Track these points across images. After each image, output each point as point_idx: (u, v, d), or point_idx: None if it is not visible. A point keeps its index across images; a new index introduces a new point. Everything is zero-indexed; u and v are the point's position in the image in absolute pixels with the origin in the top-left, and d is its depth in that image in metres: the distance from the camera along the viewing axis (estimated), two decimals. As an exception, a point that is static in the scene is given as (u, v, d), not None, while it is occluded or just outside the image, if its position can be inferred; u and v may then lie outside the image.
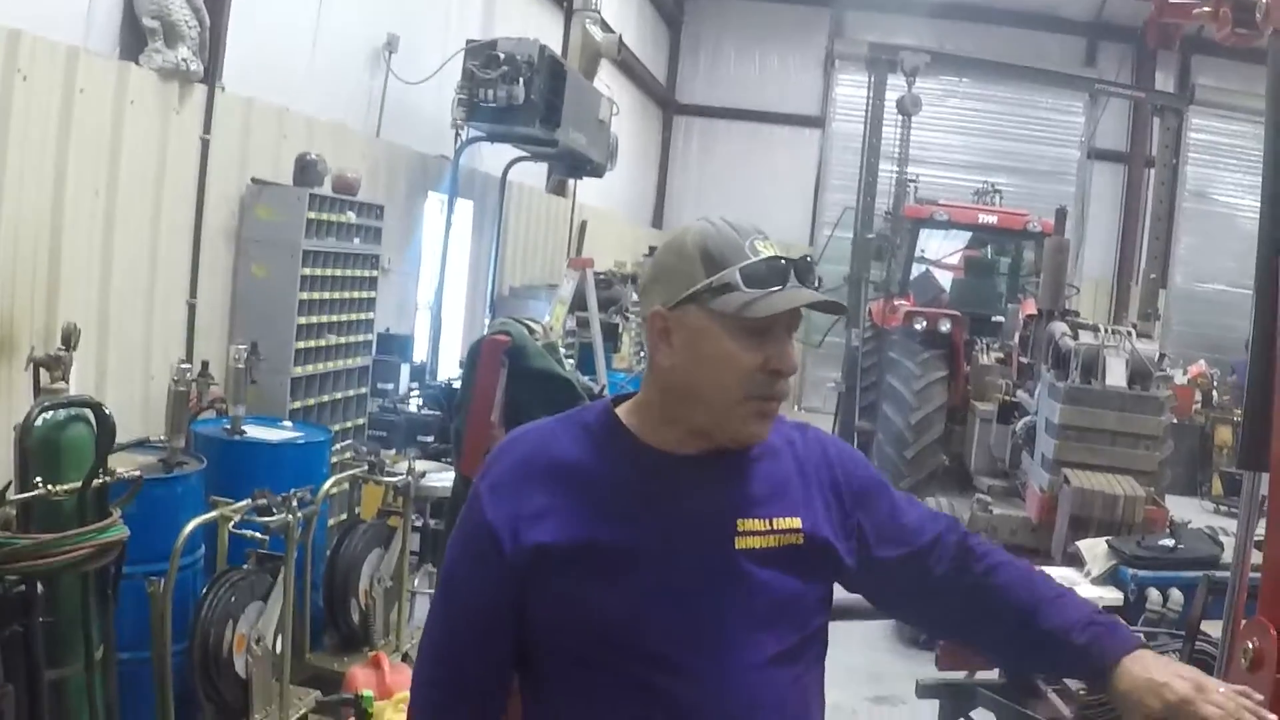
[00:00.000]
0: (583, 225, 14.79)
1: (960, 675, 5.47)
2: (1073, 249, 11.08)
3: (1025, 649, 2.06)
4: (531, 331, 4.25)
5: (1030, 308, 9.41)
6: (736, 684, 1.85)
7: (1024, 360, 8.97)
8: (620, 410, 1.98)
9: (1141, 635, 1.94)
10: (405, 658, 5.71)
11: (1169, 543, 5.16)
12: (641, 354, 12.89)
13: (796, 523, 1.94)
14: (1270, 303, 2.20)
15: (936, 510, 2.16)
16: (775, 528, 1.92)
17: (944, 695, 5.58)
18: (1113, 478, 6.58)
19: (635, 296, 13.37)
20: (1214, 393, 15.07)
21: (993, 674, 5.47)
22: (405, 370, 8.35)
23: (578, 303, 9.14)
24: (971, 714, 5.62)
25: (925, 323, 10.04)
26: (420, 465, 6.03)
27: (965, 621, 2.09)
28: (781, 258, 1.86)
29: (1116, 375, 7.39)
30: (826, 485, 2.00)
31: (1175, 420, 9.01)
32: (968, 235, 12.75)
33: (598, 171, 11.69)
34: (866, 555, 2.01)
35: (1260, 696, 1.76)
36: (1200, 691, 1.80)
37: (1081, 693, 4.99)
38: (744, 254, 1.84)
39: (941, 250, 13.04)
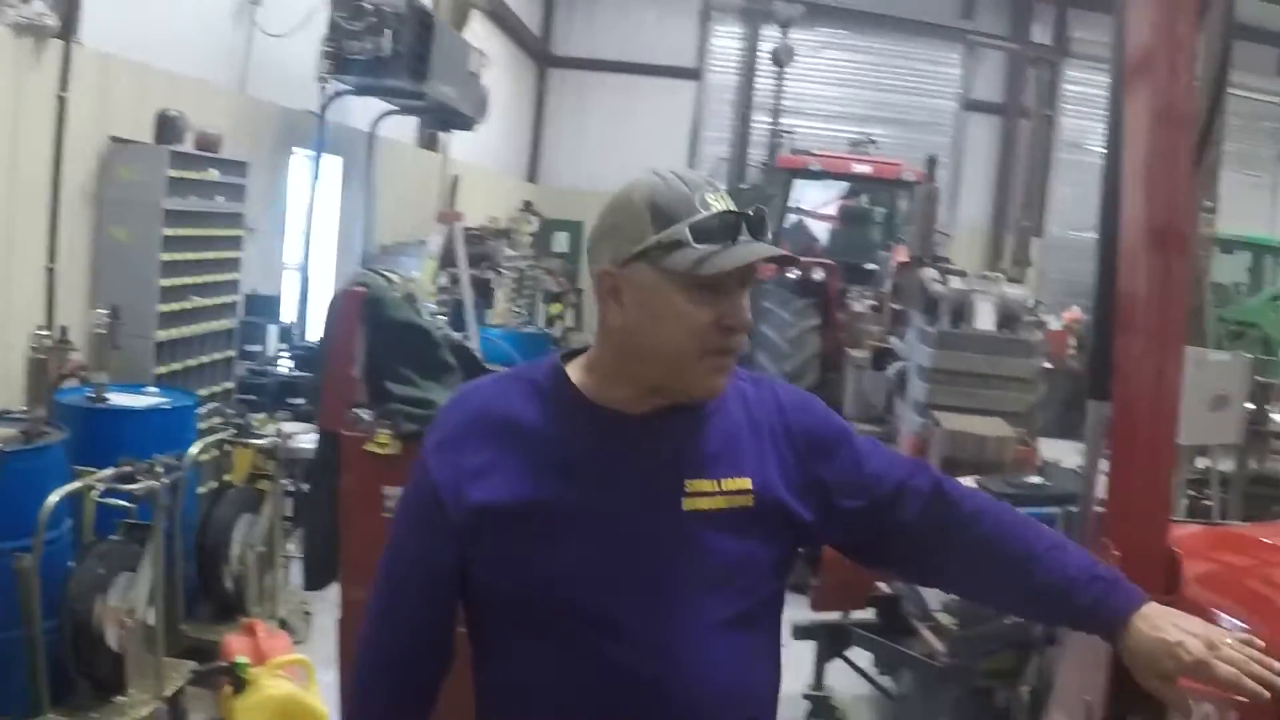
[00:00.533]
0: (454, 180, 14.64)
1: (836, 616, 5.62)
2: (948, 198, 11.31)
3: (1024, 603, 2.03)
4: (391, 283, 4.19)
5: (902, 255, 9.57)
6: (683, 649, 1.82)
7: (896, 307, 9.12)
8: (570, 368, 1.92)
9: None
10: (283, 624, 5.64)
11: (1037, 480, 5.30)
12: (517, 310, 12.88)
13: (746, 483, 1.88)
14: (1111, 241, 2.26)
15: (905, 456, 2.09)
16: (724, 489, 1.87)
17: (820, 636, 5.73)
18: (983, 420, 6.72)
19: (509, 251, 13.39)
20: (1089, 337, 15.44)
21: (868, 614, 5.63)
22: (274, 332, 8.17)
23: (449, 259, 9.03)
24: (846, 653, 5.83)
25: (799, 271, 10.14)
26: (289, 427, 5.93)
27: (952, 574, 2.04)
28: (733, 211, 1.81)
29: (985, 319, 7.55)
30: (780, 438, 1.94)
31: (1050, 365, 9.22)
32: (844, 185, 12.91)
33: (468, 125, 11.56)
34: (827, 508, 1.94)
35: (1262, 644, 1.76)
36: (1212, 649, 1.75)
37: (953, 626, 5.16)
38: (694, 208, 1.79)
39: (819, 201, 13.19)
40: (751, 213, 1.83)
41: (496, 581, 1.87)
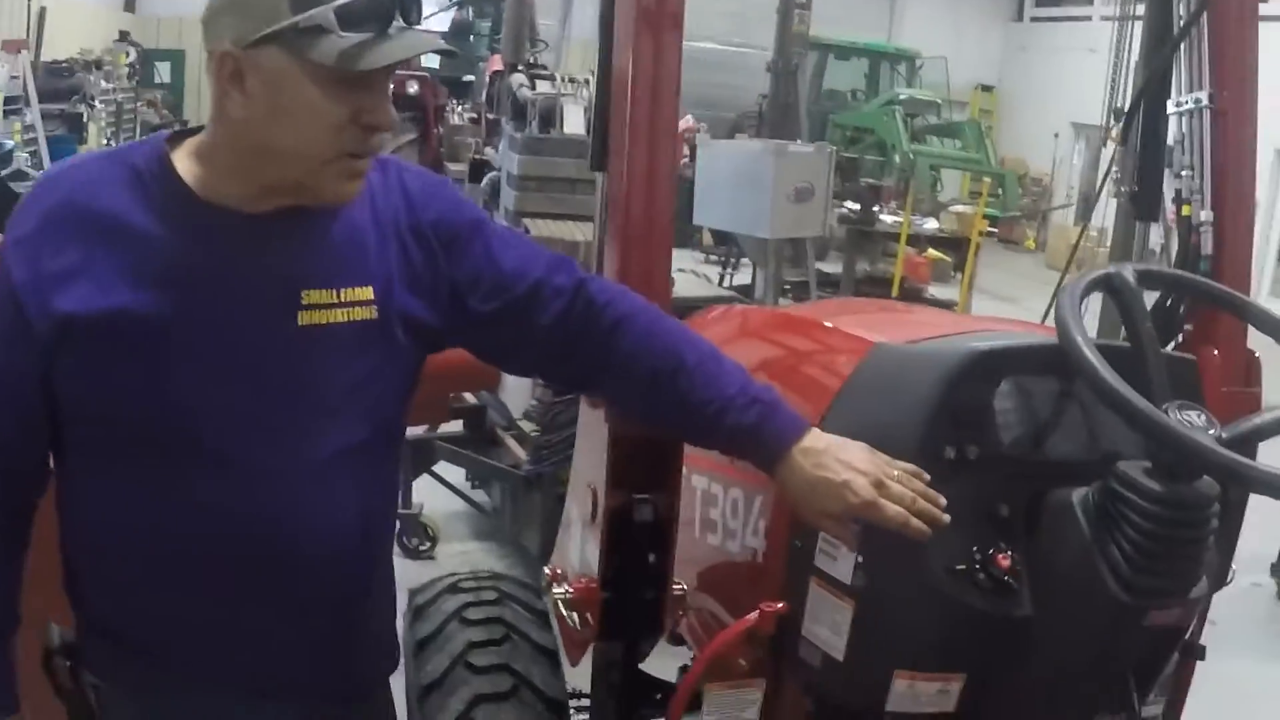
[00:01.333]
0: (41, 12, 13.29)
1: (420, 430, 5.47)
2: (562, 6, 11.02)
3: (678, 421, 1.82)
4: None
5: (497, 64, 9.30)
6: (298, 485, 1.62)
7: (491, 117, 8.89)
8: (177, 154, 1.60)
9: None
10: None
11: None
12: (111, 144, 11.95)
13: (368, 293, 1.65)
14: (609, 19, 2.11)
15: (549, 251, 1.85)
16: (344, 299, 1.64)
17: (405, 453, 5.56)
18: (574, 225, 6.65)
19: (104, 84, 12.34)
20: (702, 147, 15.84)
21: (455, 426, 5.52)
22: None
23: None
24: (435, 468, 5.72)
25: (392, 86, 9.70)
26: None
27: (602, 384, 1.85)
28: None
29: (574, 123, 7.41)
30: (407, 233, 1.71)
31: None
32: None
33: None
34: (460, 310, 1.73)
35: (927, 476, 1.68)
36: (880, 488, 1.65)
37: (534, 434, 5.12)
38: None
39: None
40: None
41: (81, 400, 1.60)
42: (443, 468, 5.50)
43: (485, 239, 1.76)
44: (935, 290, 11.33)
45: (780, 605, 1.92)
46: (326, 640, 1.72)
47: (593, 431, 2.08)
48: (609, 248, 2.09)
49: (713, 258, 11.95)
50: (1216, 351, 2.27)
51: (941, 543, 1.70)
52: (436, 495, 5.56)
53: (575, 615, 2.10)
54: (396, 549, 5.10)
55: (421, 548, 5.38)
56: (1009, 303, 11.96)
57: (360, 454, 1.68)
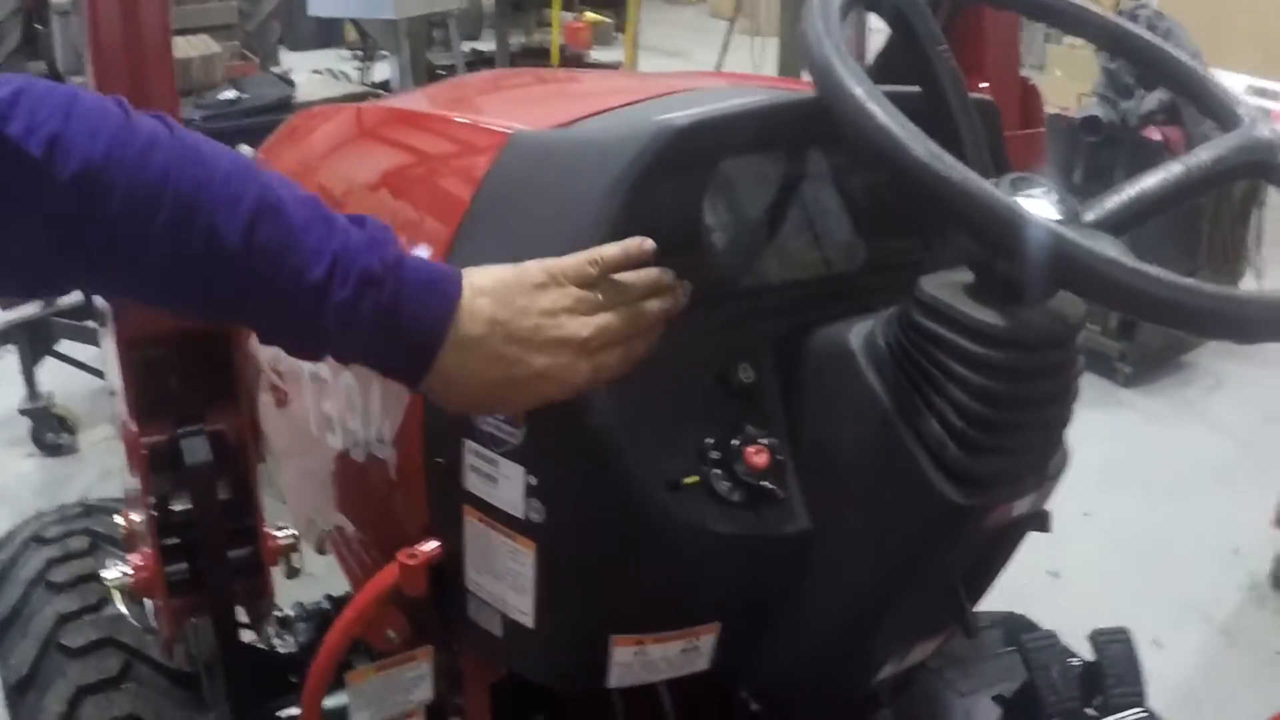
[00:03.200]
0: None
1: (33, 310, 4.50)
2: None
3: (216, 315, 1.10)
4: None
5: None
6: None
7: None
8: None
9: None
10: None
11: (231, 94, 4.39)
12: None
13: None
14: None
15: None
16: None
17: (17, 338, 4.60)
18: (181, 40, 5.63)
19: None
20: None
21: (71, 299, 4.55)
22: None
23: None
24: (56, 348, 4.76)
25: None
26: None
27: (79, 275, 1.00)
28: None
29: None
30: None
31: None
32: None
33: None
34: None
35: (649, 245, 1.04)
36: (588, 347, 1.02)
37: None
38: None
39: None
40: None
41: None
42: (68, 347, 4.58)
43: None
44: (598, 54, 10.63)
45: (431, 548, 1.25)
46: None
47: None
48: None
49: (358, 53, 10.84)
50: (986, 84, 1.69)
51: (655, 439, 1.06)
52: (69, 379, 4.64)
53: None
54: (35, 449, 4.31)
55: (60, 441, 4.50)
56: (677, 57, 11.39)
57: None
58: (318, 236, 0.96)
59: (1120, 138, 4.55)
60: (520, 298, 1.00)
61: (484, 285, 1.00)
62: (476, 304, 0.99)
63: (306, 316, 0.96)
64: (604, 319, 1.01)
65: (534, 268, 1.01)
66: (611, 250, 1.02)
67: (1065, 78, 6.07)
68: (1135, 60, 1.22)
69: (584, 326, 1.00)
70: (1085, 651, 1.68)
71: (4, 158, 0.88)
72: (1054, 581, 3.36)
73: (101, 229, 0.91)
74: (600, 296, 1.01)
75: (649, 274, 1.03)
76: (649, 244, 1.02)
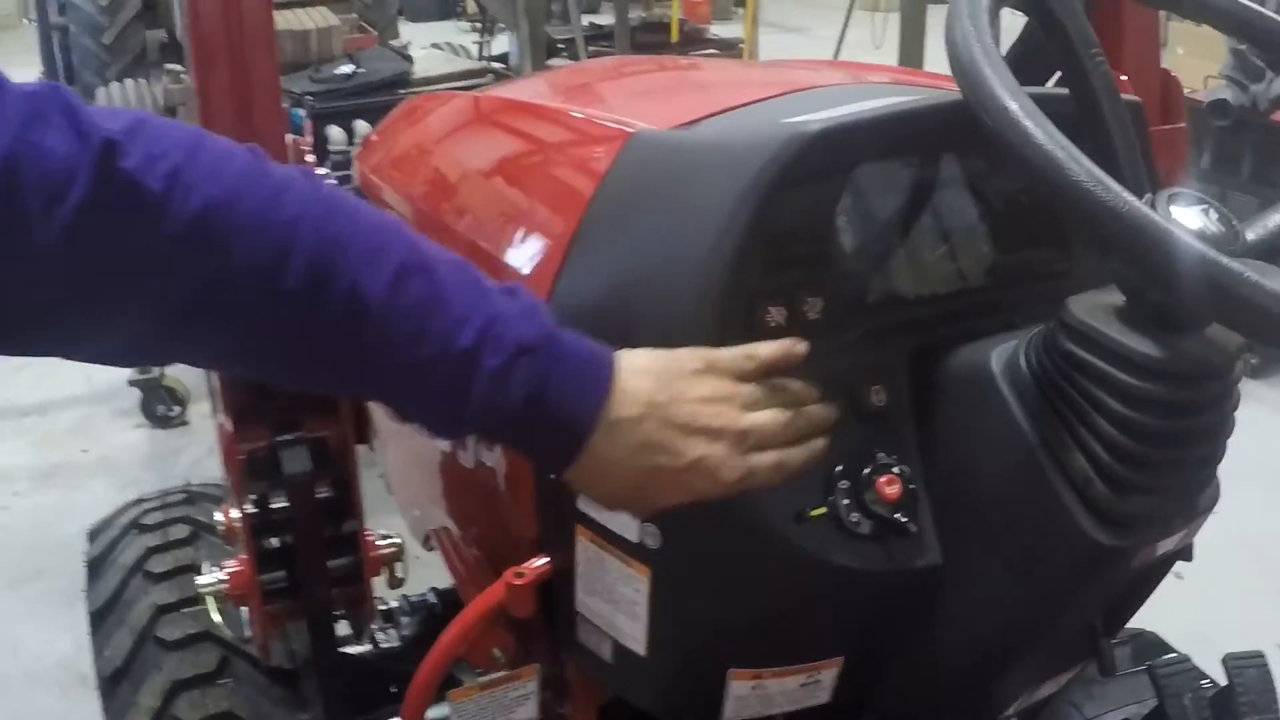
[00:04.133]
0: None
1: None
2: None
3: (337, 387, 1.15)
4: None
5: None
6: None
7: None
8: None
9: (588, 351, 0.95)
10: None
11: (348, 69, 4.36)
12: None
13: None
14: None
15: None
16: None
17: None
18: (300, 12, 5.63)
19: None
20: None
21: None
22: None
23: None
24: None
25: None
26: None
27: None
28: None
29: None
30: None
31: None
32: None
33: None
34: None
35: (802, 348, 1.01)
36: (741, 443, 0.98)
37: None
38: None
39: None
40: None
41: None
42: None
43: None
44: (717, 28, 10.49)
45: (539, 566, 1.21)
46: None
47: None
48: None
49: (477, 26, 10.82)
50: (1125, 77, 1.58)
51: None
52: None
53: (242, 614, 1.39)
54: (144, 421, 4.34)
55: (170, 414, 4.54)
56: (798, 33, 11.19)
57: None
58: (470, 300, 0.90)
59: (1250, 122, 4.35)
60: (678, 382, 0.94)
61: (640, 365, 0.95)
62: (633, 383, 0.93)
63: (453, 386, 0.89)
64: (763, 415, 0.96)
65: (690, 354, 0.96)
66: (769, 349, 0.97)
67: (1189, 55, 5.82)
68: (1263, 45, 1.13)
69: (742, 419, 0.95)
70: (1217, 673, 1.60)
71: (118, 193, 0.78)
72: (1176, 583, 3.22)
73: (223, 280, 0.82)
74: (760, 392, 0.96)
75: (810, 390, 0.99)
76: (802, 346, 0.98)
